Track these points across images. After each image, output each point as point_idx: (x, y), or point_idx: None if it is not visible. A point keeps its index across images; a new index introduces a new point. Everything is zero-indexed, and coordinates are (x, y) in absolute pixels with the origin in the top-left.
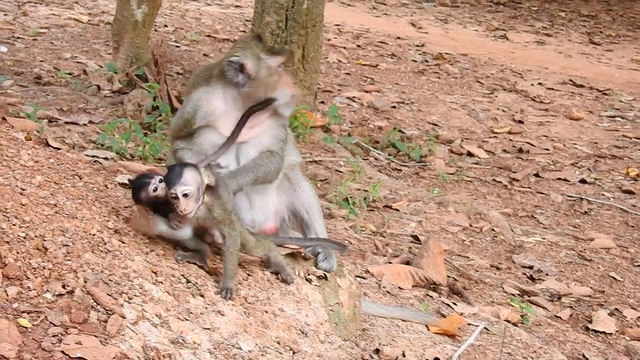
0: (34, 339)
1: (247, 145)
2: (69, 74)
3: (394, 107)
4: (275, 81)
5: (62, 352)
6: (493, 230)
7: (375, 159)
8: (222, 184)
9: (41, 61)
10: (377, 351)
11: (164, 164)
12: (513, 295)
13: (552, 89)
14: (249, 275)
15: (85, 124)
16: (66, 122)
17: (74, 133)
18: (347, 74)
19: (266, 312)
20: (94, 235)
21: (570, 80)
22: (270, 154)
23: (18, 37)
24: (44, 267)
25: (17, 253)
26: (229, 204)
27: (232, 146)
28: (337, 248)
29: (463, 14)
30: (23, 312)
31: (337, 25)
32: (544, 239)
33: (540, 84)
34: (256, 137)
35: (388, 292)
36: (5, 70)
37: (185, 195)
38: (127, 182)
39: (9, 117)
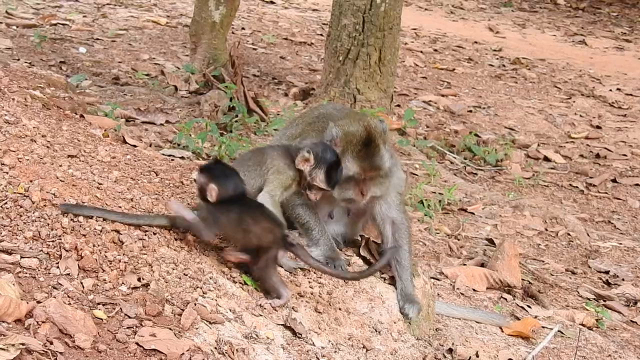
0: (109, 331)
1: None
2: (147, 74)
3: (470, 111)
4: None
5: (137, 343)
6: (569, 234)
7: (451, 162)
8: None
9: (119, 62)
10: (450, 351)
11: None
12: (588, 299)
13: (631, 94)
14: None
15: (162, 124)
16: (143, 122)
17: (150, 132)
18: (423, 77)
19: (339, 309)
20: (169, 229)
21: None
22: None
23: (97, 39)
24: (119, 260)
25: (94, 246)
26: None
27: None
28: None
29: (541, 18)
30: (99, 303)
31: (414, 29)
32: (621, 244)
33: (619, 89)
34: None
35: (462, 294)
36: (84, 71)
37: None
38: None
39: (87, 114)
